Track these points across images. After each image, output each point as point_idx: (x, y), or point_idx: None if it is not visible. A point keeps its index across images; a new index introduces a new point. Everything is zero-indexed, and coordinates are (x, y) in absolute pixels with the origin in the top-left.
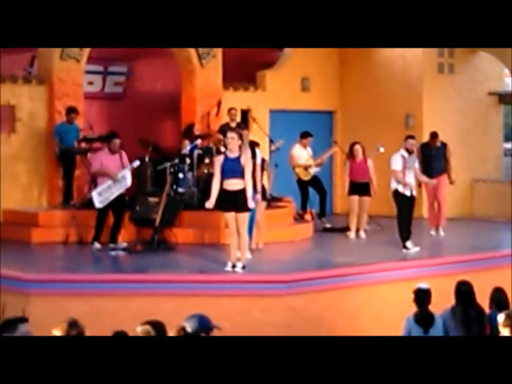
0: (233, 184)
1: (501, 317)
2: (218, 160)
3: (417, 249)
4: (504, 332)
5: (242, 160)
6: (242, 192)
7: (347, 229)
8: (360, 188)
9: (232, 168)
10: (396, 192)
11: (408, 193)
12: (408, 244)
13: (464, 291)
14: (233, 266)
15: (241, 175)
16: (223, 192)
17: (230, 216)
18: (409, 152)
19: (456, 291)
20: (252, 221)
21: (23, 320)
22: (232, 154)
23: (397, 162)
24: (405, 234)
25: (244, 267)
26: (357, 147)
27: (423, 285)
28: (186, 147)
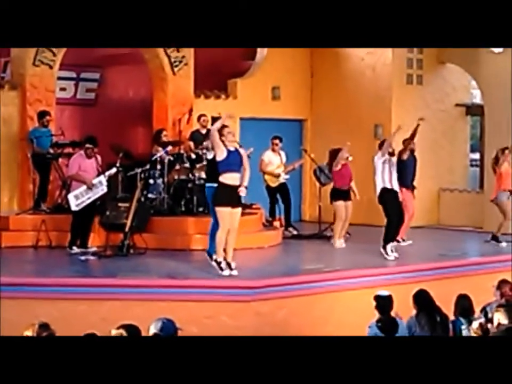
0: (235, 179)
1: (475, 324)
2: (222, 151)
3: (394, 256)
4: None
5: (242, 152)
6: (238, 187)
7: (316, 236)
8: (345, 193)
9: (235, 161)
10: (382, 190)
11: (395, 188)
12: (388, 248)
13: (425, 297)
14: (228, 265)
15: (240, 168)
16: (224, 186)
17: (227, 211)
18: (390, 154)
19: (416, 298)
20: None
21: None
22: (232, 147)
23: (378, 162)
24: (388, 238)
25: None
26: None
27: (383, 292)
28: (159, 152)
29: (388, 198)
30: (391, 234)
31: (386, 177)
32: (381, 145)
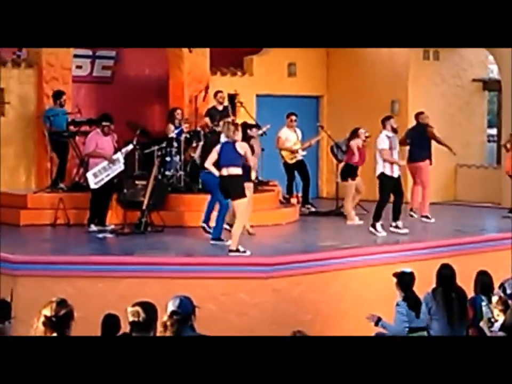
0: (231, 171)
1: (494, 299)
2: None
3: (384, 234)
4: (495, 313)
5: (238, 147)
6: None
7: (333, 212)
8: (356, 171)
9: (232, 156)
10: (382, 175)
11: (395, 174)
12: (378, 226)
13: (445, 274)
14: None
15: (238, 162)
16: (238, 177)
17: (245, 202)
18: (394, 131)
19: (437, 274)
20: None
21: None
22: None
23: (383, 142)
24: (378, 216)
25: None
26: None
27: (406, 269)
28: (171, 131)
29: (385, 183)
30: (379, 213)
31: (387, 162)
32: (383, 122)
